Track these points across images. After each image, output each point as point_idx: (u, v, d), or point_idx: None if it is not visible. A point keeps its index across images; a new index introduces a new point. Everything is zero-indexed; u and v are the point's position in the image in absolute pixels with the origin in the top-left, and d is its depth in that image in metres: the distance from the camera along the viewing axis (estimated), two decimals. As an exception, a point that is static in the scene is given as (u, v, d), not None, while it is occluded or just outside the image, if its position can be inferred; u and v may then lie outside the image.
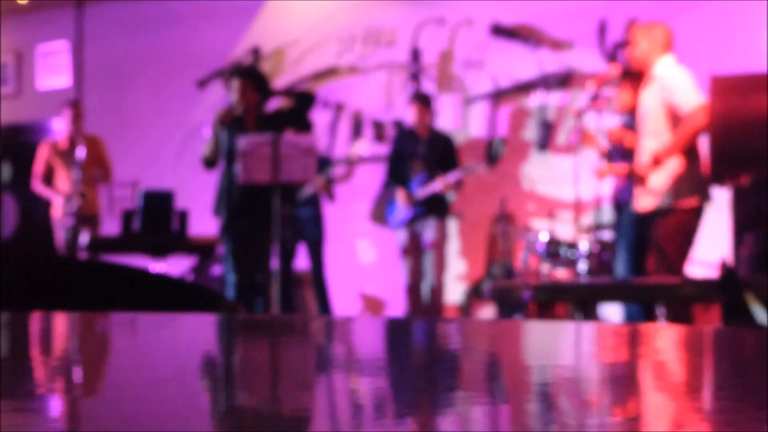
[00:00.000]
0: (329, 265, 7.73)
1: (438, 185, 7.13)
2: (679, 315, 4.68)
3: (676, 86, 5.18)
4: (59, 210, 7.62)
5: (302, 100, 6.22)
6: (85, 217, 7.53)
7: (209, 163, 6.00)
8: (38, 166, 7.75)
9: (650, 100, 5.27)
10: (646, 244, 5.30)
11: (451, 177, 7.16)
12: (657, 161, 5.24)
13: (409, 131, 7.47)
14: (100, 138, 7.84)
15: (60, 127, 8.13)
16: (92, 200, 7.70)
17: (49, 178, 7.74)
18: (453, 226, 7.78)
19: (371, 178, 8.41)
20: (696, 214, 5.24)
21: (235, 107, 5.86)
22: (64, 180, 7.63)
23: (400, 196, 7.27)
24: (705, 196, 5.28)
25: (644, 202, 5.28)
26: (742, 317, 4.24)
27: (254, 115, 5.89)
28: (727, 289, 4.39)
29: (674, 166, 5.22)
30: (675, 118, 5.21)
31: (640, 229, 5.37)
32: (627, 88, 5.92)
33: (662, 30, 5.37)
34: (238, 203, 5.80)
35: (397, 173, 7.34)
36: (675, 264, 5.17)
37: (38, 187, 7.77)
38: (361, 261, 8.65)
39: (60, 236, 7.60)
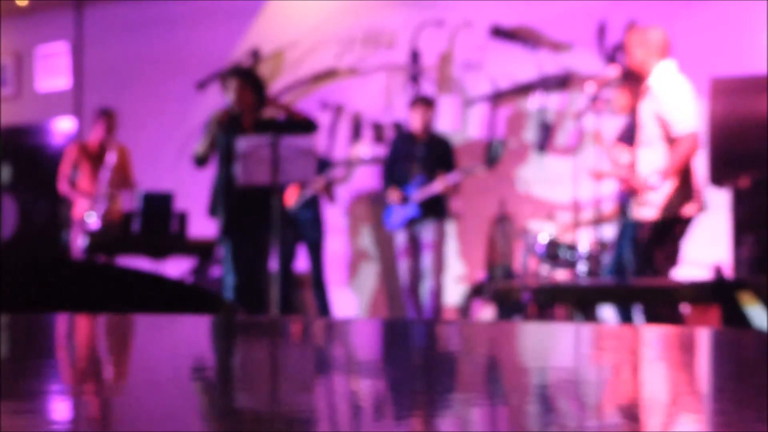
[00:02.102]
0: (328, 266, 7.73)
1: (436, 187, 7.13)
2: (675, 317, 4.69)
3: (671, 103, 5.09)
4: (81, 211, 7.59)
5: (303, 127, 5.94)
6: (109, 224, 7.46)
7: (200, 160, 5.96)
8: (65, 167, 7.72)
9: (644, 112, 5.22)
10: (641, 248, 5.30)
11: (450, 179, 7.16)
12: (652, 184, 5.23)
13: (407, 133, 7.47)
14: (127, 148, 7.86)
15: (67, 129, 8.10)
16: (116, 207, 7.66)
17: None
18: (452, 227, 7.78)
19: (370, 179, 8.41)
20: (688, 223, 5.24)
21: (232, 108, 5.85)
22: (88, 182, 7.61)
23: (392, 195, 7.28)
24: (699, 207, 5.27)
25: (641, 211, 5.27)
26: (737, 321, 4.25)
27: (252, 116, 5.88)
28: (720, 293, 4.40)
29: (670, 178, 5.21)
30: (667, 130, 5.15)
31: (638, 233, 5.37)
32: (626, 90, 5.91)
33: (658, 34, 5.24)
34: (237, 205, 5.79)
35: (395, 175, 7.34)
36: (662, 270, 5.18)
37: (64, 187, 7.75)
38: (359, 262, 8.64)
39: (78, 238, 7.57)
